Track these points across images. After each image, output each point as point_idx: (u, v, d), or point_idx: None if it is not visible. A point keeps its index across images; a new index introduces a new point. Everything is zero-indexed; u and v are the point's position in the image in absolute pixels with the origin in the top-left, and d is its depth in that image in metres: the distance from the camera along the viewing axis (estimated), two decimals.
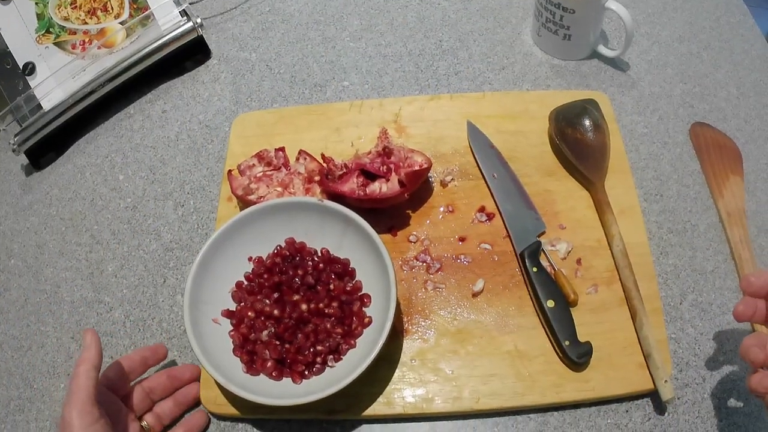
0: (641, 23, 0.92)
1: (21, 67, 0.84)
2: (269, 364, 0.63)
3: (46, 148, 0.85)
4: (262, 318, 0.65)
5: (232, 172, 0.73)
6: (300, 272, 0.68)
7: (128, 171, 0.83)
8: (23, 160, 0.86)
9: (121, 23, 0.86)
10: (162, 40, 0.86)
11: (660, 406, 0.63)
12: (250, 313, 0.66)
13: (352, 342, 0.65)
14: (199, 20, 0.87)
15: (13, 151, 0.83)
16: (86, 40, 0.86)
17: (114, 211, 0.80)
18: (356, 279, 0.69)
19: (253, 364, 0.63)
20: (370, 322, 0.65)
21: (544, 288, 0.66)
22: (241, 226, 0.68)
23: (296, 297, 0.66)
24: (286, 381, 0.63)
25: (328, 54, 0.92)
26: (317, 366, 0.63)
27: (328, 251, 0.69)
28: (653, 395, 0.64)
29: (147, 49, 0.86)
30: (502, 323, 0.66)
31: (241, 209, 0.74)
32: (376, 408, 0.63)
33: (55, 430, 0.67)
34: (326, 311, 0.65)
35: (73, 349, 0.71)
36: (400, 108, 0.82)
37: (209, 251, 0.66)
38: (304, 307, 0.65)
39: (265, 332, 0.64)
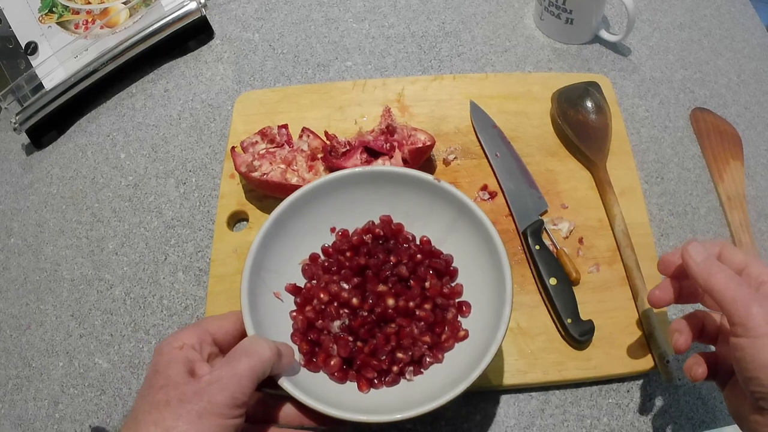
0: (643, 9, 0.93)
1: (23, 47, 0.84)
2: (334, 361, 0.53)
3: (47, 127, 0.85)
4: (336, 304, 0.55)
5: (235, 149, 0.73)
6: (393, 259, 0.57)
7: (130, 149, 0.83)
8: (24, 139, 0.86)
9: (124, 3, 0.86)
10: (165, 20, 0.86)
11: (661, 387, 0.64)
12: (322, 295, 0.55)
13: (440, 356, 0.55)
14: (202, 0, 0.87)
15: (15, 130, 0.82)
16: (89, 19, 0.86)
17: (115, 189, 0.80)
18: (457, 281, 0.58)
19: (313, 358, 0.54)
20: (465, 337, 0.55)
21: (546, 266, 0.66)
22: (330, 189, 0.58)
23: (382, 288, 0.55)
24: (350, 386, 0.53)
25: (331, 34, 0.92)
26: (392, 375, 0.53)
27: (429, 241, 0.59)
28: (654, 375, 0.64)
29: (150, 29, 0.85)
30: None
31: (245, 187, 0.74)
32: None
33: (52, 408, 0.66)
34: (416, 313, 0.55)
35: (72, 327, 0.71)
36: (403, 88, 0.82)
37: (287, 211, 0.56)
38: (390, 302, 0.54)
39: (337, 322, 0.54)
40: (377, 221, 0.59)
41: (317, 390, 0.50)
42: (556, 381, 0.63)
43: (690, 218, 0.74)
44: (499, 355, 0.63)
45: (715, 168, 0.77)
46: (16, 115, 0.82)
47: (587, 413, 0.62)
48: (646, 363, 0.63)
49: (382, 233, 0.59)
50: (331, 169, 0.71)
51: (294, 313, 0.56)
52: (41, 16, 0.85)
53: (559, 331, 0.64)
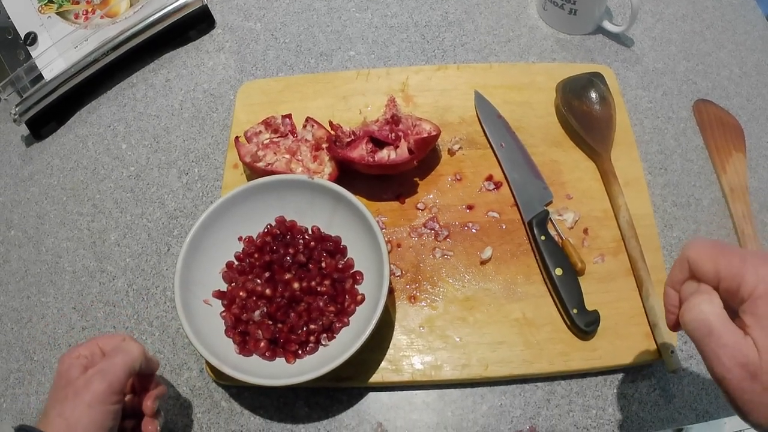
0: (645, 0, 0.92)
1: (22, 38, 0.83)
2: (262, 344, 0.62)
3: (47, 118, 0.84)
4: (254, 298, 0.64)
5: (239, 139, 0.72)
6: (291, 251, 0.67)
7: (131, 140, 0.82)
8: (24, 130, 0.85)
9: None
10: (166, 10, 0.85)
11: (665, 377, 0.64)
12: (241, 293, 0.65)
13: (345, 320, 0.64)
14: None
15: (14, 121, 0.82)
16: (89, 9, 0.85)
17: (117, 180, 0.80)
18: (348, 257, 0.68)
19: (245, 345, 0.63)
20: (363, 300, 0.65)
21: (552, 256, 0.66)
22: (230, 206, 0.67)
23: (288, 276, 0.65)
24: (280, 361, 0.62)
25: (333, 24, 0.92)
26: (310, 345, 0.63)
27: (318, 229, 0.69)
28: (659, 365, 0.64)
29: (151, 19, 0.85)
30: (510, 291, 0.67)
31: (248, 177, 0.74)
32: (385, 375, 0.63)
33: None
34: (318, 289, 0.64)
35: (75, 319, 0.70)
36: (407, 77, 0.81)
37: (199, 232, 0.65)
38: (296, 285, 0.64)
39: (257, 312, 0.63)
40: (274, 223, 0.69)
41: (255, 369, 0.61)
42: (562, 371, 0.63)
43: (693, 209, 0.74)
44: (504, 345, 0.63)
45: (717, 159, 0.77)
46: (16, 106, 0.81)
47: (592, 403, 0.63)
48: (651, 353, 0.63)
49: (279, 232, 0.69)
50: (336, 159, 0.70)
51: (223, 313, 0.65)
52: (41, 6, 0.84)
53: (564, 321, 0.64)
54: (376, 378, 0.63)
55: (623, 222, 0.69)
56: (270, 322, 0.63)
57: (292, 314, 0.63)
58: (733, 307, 0.42)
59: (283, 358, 0.62)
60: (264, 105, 0.79)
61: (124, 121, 0.84)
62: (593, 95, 0.76)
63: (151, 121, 0.84)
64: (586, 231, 0.69)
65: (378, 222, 0.67)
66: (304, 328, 0.63)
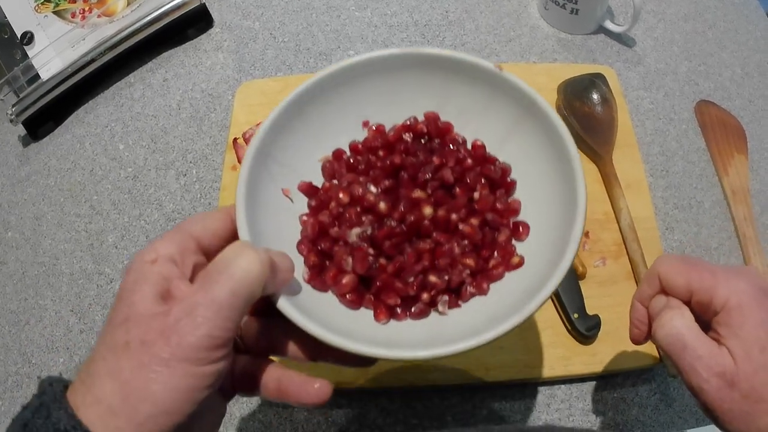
0: (647, 0, 0.92)
1: (19, 37, 0.82)
2: (347, 279, 0.42)
3: (44, 119, 0.84)
4: (359, 209, 0.43)
5: (237, 141, 0.72)
6: (436, 161, 0.45)
7: (129, 140, 0.82)
8: (20, 130, 0.84)
9: None
10: (164, 9, 0.84)
11: (666, 381, 0.64)
12: (342, 196, 0.44)
13: (484, 286, 0.43)
14: None
15: (11, 121, 0.81)
16: (86, 8, 0.84)
17: (114, 181, 0.79)
18: (514, 197, 0.47)
19: (321, 273, 0.43)
20: (519, 264, 0.44)
21: None
22: (365, 73, 0.46)
23: (419, 194, 0.44)
24: (365, 313, 0.42)
25: (332, 23, 0.91)
26: (420, 305, 0.42)
27: (483, 146, 0.47)
28: (659, 369, 0.64)
29: (148, 18, 0.84)
30: None
31: None
32: (386, 380, 0.62)
33: None
34: (460, 228, 0.43)
35: (73, 322, 0.70)
36: None
37: (309, 93, 0.45)
38: (427, 210, 0.43)
39: (357, 230, 0.42)
40: (421, 117, 0.48)
41: (321, 314, 0.39)
42: (563, 376, 0.62)
43: (695, 212, 0.74)
44: (504, 349, 0.62)
45: (719, 161, 0.77)
46: (12, 106, 0.81)
47: (593, 407, 0.62)
48: (652, 357, 0.62)
49: (426, 130, 0.47)
50: None
51: (305, 217, 0.45)
52: (37, 5, 0.83)
53: (565, 325, 0.64)
54: (376, 382, 0.62)
55: (624, 225, 0.68)
56: (371, 251, 0.42)
57: (409, 251, 0.42)
58: (705, 320, 0.42)
59: (371, 311, 0.42)
60: (263, 106, 0.79)
61: (122, 121, 0.84)
62: (595, 96, 0.75)
63: (148, 121, 0.83)
64: (587, 234, 0.69)
65: None
66: (420, 277, 0.42)
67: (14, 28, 0.82)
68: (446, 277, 0.42)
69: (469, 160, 0.46)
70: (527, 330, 0.64)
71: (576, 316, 0.63)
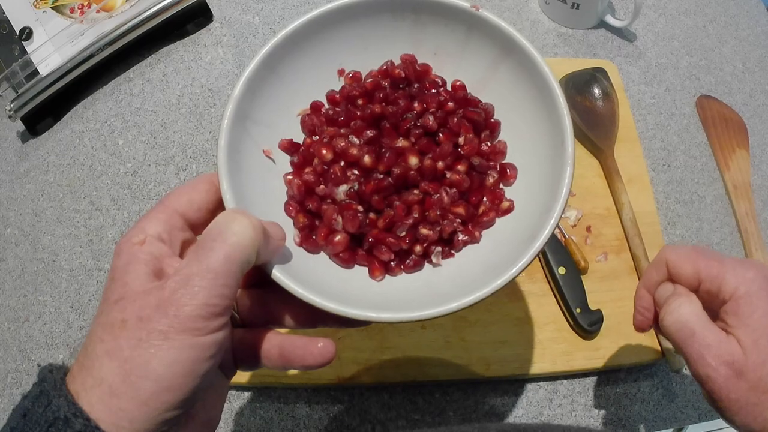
0: None
1: (17, 33, 0.82)
2: (339, 238, 0.41)
3: (43, 114, 0.83)
4: (343, 164, 0.42)
5: None
6: (417, 107, 0.44)
7: (128, 136, 0.81)
8: (19, 126, 0.84)
9: None
10: (163, 3, 0.84)
11: (668, 376, 0.64)
12: (324, 151, 0.42)
13: (476, 234, 0.42)
14: None
15: (10, 117, 0.81)
16: (85, 3, 0.84)
17: (113, 176, 0.79)
18: (499, 138, 0.45)
19: (312, 233, 0.42)
20: (509, 209, 0.43)
21: (555, 255, 0.65)
22: (336, 20, 0.44)
23: (403, 143, 0.43)
24: (359, 272, 0.42)
25: None
26: (414, 257, 0.41)
27: (464, 86, 0.46)
28: (662, 365, 0.64)
29: (147, 13, 0.83)
30: (512, 290, 0.66)
31: None
32: (387, 375, 0.62)
33: None
34: (447, 175, 0.42)
35: (72, 318, 0.70)
36: None
37: (282, 47, 0.43)
38: (413, 160, 0.41)
39: (344, 187, 0.41)
40: (397, 61, 0.46)
41: (315, 279, 0.39)
42: (565, 371, 0.62)
43: (697, 207, 0.73)
44: (506, 344, 0.62)
45: (721, 156, 0.77)
46: (11, 102, 0.80)
47: (595, 402, 0.62)
48: (654, 352, 0.62)
49: (403, 75, 0.45)
50: None
51: (290, 176, 0.43)
52: (36, 1, 0.83)
53: (567, 320, 0.64)
54: (377, 377, 0.62)
55: (626, 220, 0.68)
56: (359, 208, 0.41)
57: (398, 203, 0.41)
58: (713, 310, 0.42)
59: (366, 268, 0.42)
60: None
61: (121, 116, 0.83)
62: (596, 91, 0.75)
63: (148, 116, 0.83)
64: (588, 229, 0.69)
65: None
66: (411, 230, 0.41)
67: (13, 23, 0.82)
68: (438, 228, 0.42)
69: (451, 103, 0.44)
70: (528, 325, 0.64)
71: (578, 310, 0.62)
